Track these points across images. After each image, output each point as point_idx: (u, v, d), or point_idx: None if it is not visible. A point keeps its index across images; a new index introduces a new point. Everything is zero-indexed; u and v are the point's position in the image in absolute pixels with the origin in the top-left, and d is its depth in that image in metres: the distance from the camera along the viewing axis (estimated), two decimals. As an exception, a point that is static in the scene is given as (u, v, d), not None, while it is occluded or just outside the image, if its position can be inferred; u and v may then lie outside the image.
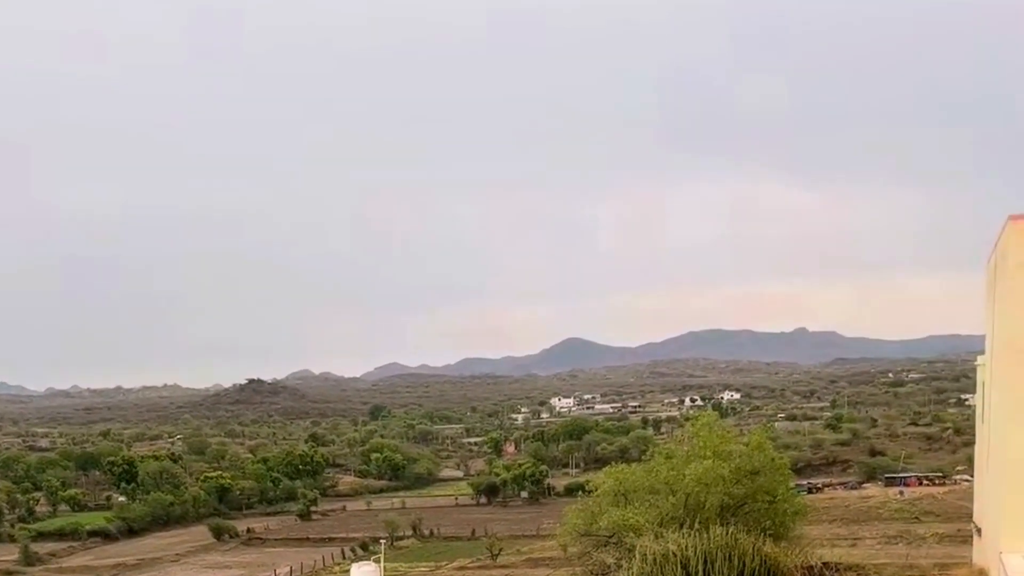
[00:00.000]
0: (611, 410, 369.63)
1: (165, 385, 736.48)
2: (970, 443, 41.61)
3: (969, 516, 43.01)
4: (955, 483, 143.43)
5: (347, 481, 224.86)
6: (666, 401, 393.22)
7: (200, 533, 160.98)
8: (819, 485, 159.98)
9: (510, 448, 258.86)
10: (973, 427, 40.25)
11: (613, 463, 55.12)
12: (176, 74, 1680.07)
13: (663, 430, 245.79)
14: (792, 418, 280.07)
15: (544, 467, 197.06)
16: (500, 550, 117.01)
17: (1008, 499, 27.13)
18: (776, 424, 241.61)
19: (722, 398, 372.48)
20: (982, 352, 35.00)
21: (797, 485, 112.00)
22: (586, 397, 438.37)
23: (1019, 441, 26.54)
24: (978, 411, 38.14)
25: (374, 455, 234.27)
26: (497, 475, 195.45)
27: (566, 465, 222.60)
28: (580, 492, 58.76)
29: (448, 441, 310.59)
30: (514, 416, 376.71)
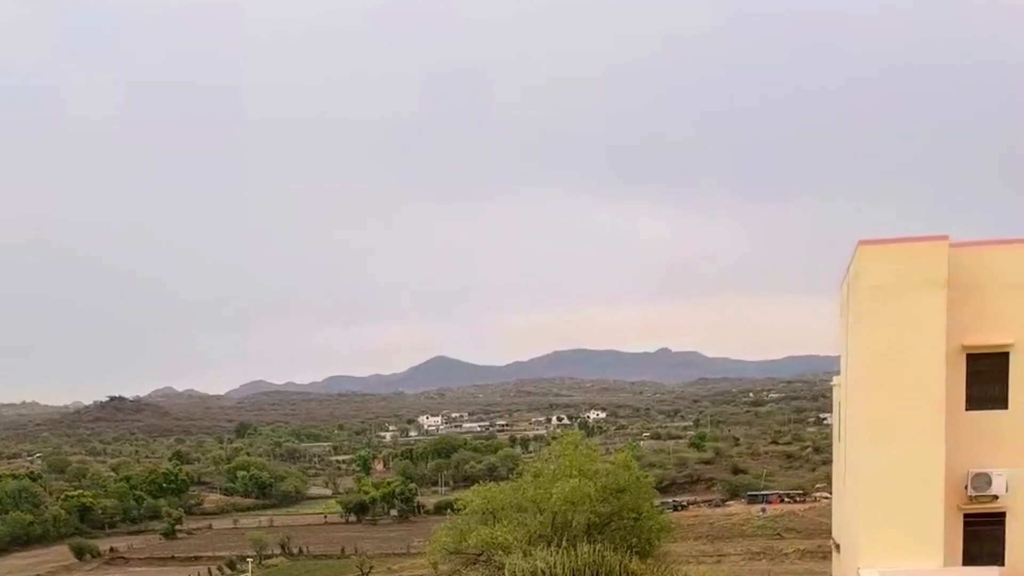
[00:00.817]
0: (479, 428, 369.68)
1: (23, 402, 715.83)
2: (829, 461, 42.81)
3: (828, 532, 44.18)
4: (815, 500, 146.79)
5: (213, 499, 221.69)
6: (533, 420, 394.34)
7: (61, 553, 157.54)
8: (684, 503, 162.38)
9: (379, 466, 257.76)
10: (831, 445, 41.42)
11: (481, 481, 55.49)
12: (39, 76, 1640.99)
13: (531, 448, 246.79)
14: (657, 437, 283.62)
15: (413, 485, 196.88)
16: (370, 568, 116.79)
17: (864, 515, 28.16)
18: (641, 443, 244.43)
19: (588, 417, 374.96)
20: (838, 372, 36.23)
21: (663, 503, 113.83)
22: (454, 415, 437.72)
23: (873, 459, 27.64)
24: (835, 430, 39.30)
25: (240, 473, 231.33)
26: (366, 493, 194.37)
27: (435, 483, 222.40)
28: (449, 510, 58.81)
29: (316, 459, 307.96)
30: (382, 434, 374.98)
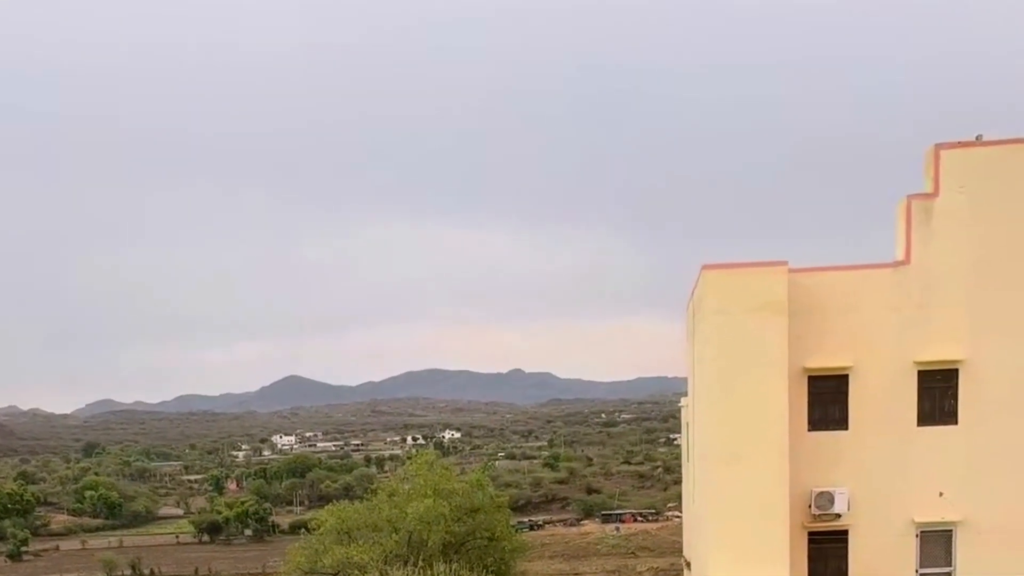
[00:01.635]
0: (334, 448, 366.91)
1: None
2: (680, 481, 43.77)
3: (680, 551, 45.08)
4: (667, 519, 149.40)
5: (60, 520, 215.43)
6: (388, 440, 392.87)
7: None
8: (540, 522, 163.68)
9: (232, 486, 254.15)
10: (682, 465, 42.49)
11: (337, 501, 55.38)
12: None
13: (386, 468, 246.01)
14: (512, 457, 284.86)
15: (268, 504, 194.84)
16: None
17: (713, 534, 28.96)
18: (496, 463, 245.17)
19: (443, 437, 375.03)
20: (686, 394, 37.05)
21: (518, 522, 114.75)
22: (308, 435, 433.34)
23: (720, 479, 28.44)
24: (684, 450, 40.17)
25: (88, 493, 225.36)
26: (219, 513, 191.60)
27: (290, 503, 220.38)
28: (304, 530, 58.49)
29: (167, 479, 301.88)
30: (235, 453, 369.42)
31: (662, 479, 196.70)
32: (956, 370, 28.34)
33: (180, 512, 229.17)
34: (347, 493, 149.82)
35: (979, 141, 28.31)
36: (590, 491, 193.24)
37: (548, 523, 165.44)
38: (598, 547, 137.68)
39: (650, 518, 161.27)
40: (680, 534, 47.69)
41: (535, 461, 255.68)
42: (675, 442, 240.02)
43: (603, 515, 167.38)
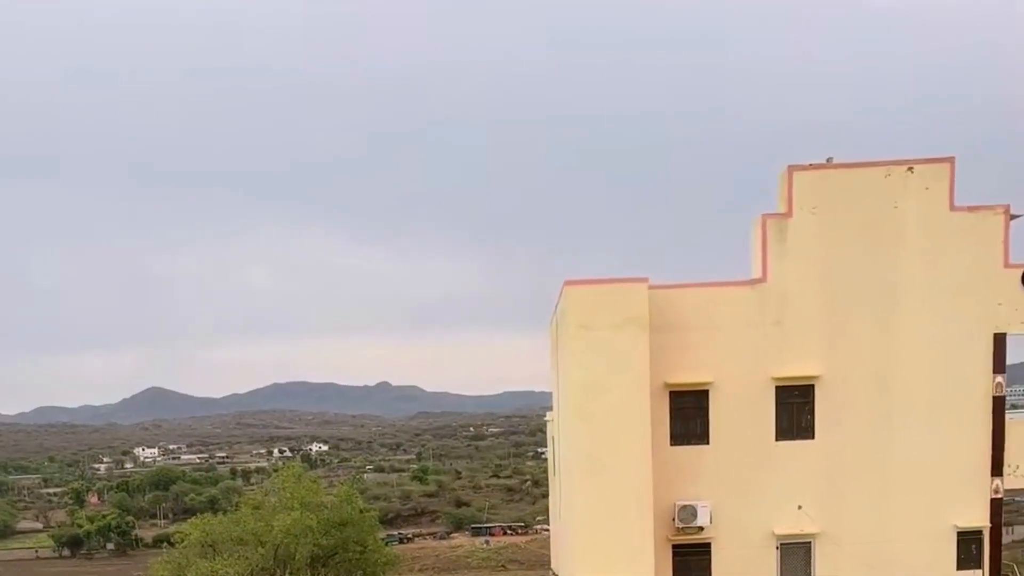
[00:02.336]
0: (198, 460, 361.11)
1: None
2: (548, 494, 44.23)
3: (549, 564, 45.44)
4: (536, 532, 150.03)
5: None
6: (254, 452, 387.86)
7: None
8: (410, 535, 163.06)
9: (93, 499, 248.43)
10: (549, 479, 42.93)
11: (202, 514, 54.74)
12: None
13: (252, 481, 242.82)
14: (380, 470, 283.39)
15: (131, 518, 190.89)
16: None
17: (579, 547, 29.31)
18: (365, 476, 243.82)
19: (311, 450, 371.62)
20: (551, 408, 37.42)
21: (388, 535, 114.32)
22: (171, 447, 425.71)
23: (586, 492, 28.82)
24: (550, 464, 40.35)
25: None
26: (80, 527, 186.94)
27: (154, 516, 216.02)
28: (167, 544, 57.82)
29: (25, 492, 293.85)
30: (96, 466, 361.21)
31: (531, 492, 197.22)
32: (812, 386, 29.24)
33: (39, 526, 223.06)
34: (212, 506, 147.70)
35: (830, 164, 29.29)
36: (459, 504, 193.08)
37: (418, 536, 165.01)
38: (468, 560, 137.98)
39: (519, 531, 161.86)
40: (549, 547, 48.09)
41: (404, 474, 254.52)
42: (543, 456, 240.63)
43: (473, 528, 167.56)
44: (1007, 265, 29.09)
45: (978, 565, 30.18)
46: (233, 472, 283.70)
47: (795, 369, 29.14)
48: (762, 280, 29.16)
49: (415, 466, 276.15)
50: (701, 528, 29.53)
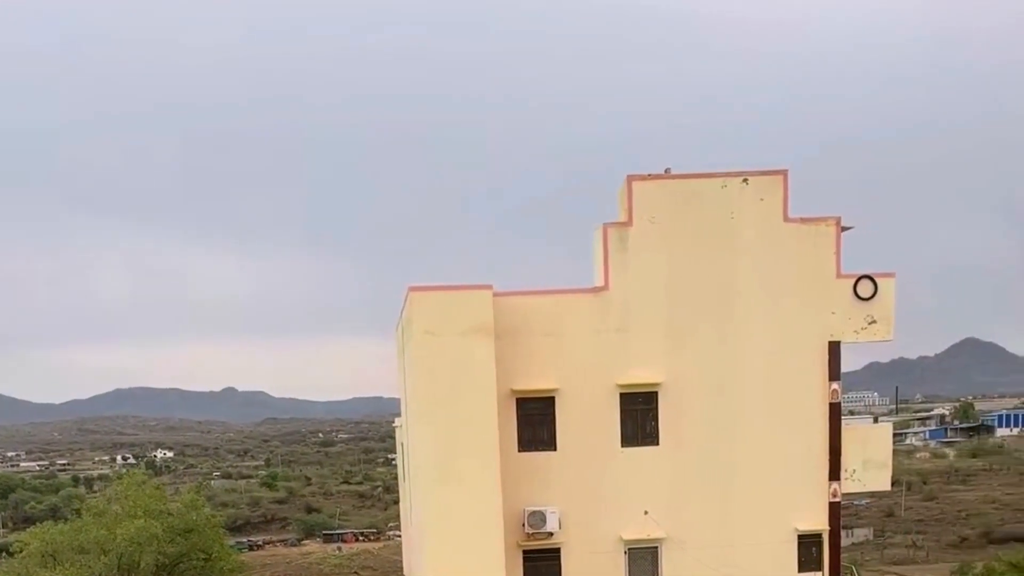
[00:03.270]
0: (38, 468, 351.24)
1: None
2: (399, 500, 44.43)
3: (402, 570, 45.55)
4: (388, 538, 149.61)
5: None
6: (97, 459, 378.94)
7: None
8: (260, 542, 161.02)
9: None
10: (399, 485, 43.03)
11: (42, 522, 53.64)
12: None
13: (95, 488, 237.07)
14: (228, 476, 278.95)
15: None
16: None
17: (429, 554, 29.35)
18: (212, 482, 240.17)
19: (156, 456, 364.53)
20: (400, 414, 37.45)
21: (237, 542, 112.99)
22: (9, 454, 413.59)
23: (435, 499, 28.89)
24: (400, 470, 40.49)
25: None
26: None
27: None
28: (5, 553, 56.54)
29: None
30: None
31: (382, 499, 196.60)
32: (656, 393, 29.78)
33: None
34: (53, 514, 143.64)
35: (668, 174, 29.86)
36: (310, 510, 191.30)
37: (268, 543, 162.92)
38: (320, 567, 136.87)
39: (372, 537, 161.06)
40: (401, 553, 48.23)
41: (252, 480, 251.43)
42: (393, 462, 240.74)
43: (324, 535, 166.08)
44: (839, 275, 30.02)
45: (818, 567, 31.14)
46: (75, 479, 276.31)
47: (638, 376, 29.67)
48: (604, 288, 29.56)
49: (264, 472, 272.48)
50: (550, 534, 29.87)
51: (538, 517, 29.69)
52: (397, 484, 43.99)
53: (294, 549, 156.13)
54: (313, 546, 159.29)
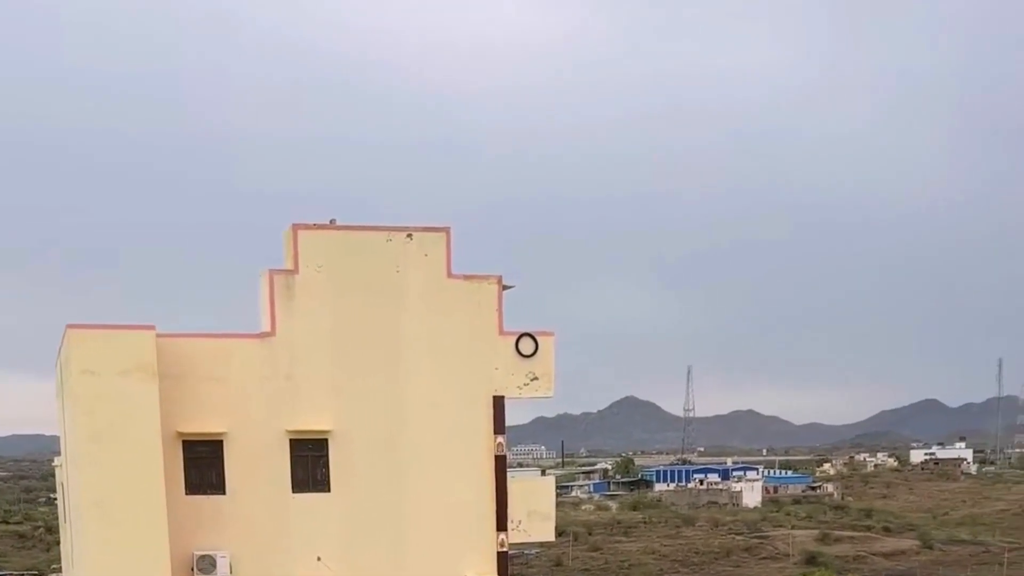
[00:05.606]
0: None
1: None
2: (60, 541, 42.93)
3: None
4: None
5: None
6: None
7: None
8: None
9: None
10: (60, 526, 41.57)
11: None
12: None
13: None
14: None
15: None
16: None
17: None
18: None
19: None
20: (59, 453, 36.01)
21: None
22: None
23: (97, 541, 28.18)
24: (60, 510, 38.89)
25: None
26: None
27: None
28: None
29: None
30: None
31: (44, 539, 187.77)
32: (326, 440, 29.99)
33: None
34: None
35: (333, 225, 30.27)
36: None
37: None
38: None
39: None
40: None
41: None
42: (55, 501, 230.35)
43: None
44: (502, 332, 31.05)
45: (488, 613, 31.84)
46: None
47: (307, 423, 29.80)
48: (271, 334, 29.61)
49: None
50: (223, 578, 29.67)
51: (207, 562, 29.20)
52: (58, 524, 42.51)
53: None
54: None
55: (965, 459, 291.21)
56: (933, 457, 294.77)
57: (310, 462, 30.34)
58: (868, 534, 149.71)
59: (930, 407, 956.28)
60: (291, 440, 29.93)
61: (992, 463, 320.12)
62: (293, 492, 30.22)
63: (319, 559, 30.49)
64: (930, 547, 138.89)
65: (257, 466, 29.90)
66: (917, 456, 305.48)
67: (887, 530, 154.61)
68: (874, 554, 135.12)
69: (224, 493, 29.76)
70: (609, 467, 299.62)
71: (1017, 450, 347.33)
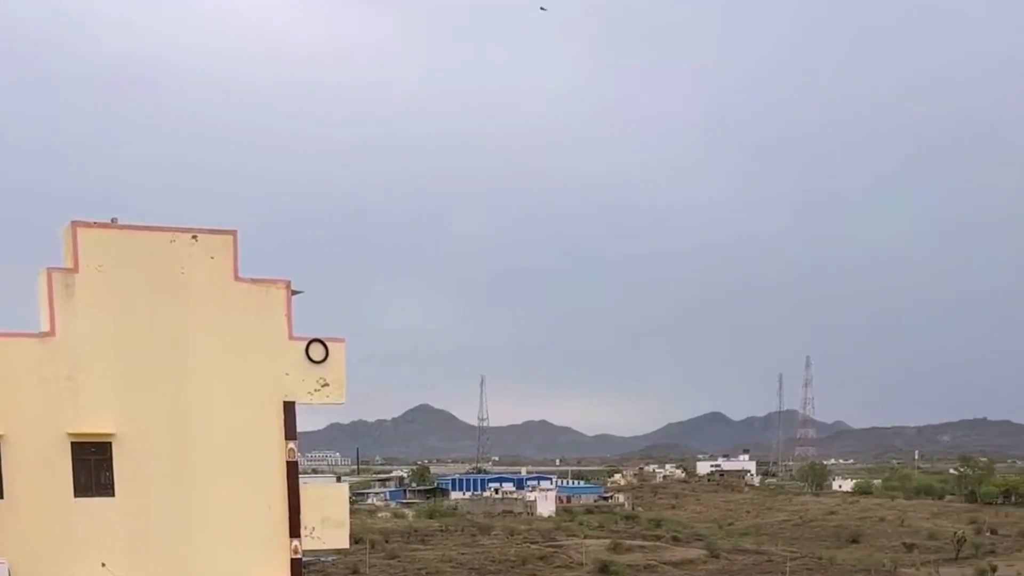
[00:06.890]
0: None
1: None
2: None
3: None
4: None
5: None
6: None
7: None
8: None
9: None
10: None
11: None
12: None
13: None
14: None
15: None
16: None
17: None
18: None
19: None
20: None
21: None
22: None
23: None
24: None
25: None
26: None
27: None
28: None
29: None
30: None
31: None
32: (109, 443, 29.36)
33: None
34: None
35: (114, 224, 29.64)
36: None
37: None
38: None
39: None
40: None
41: None
42: None
43: None
44: (291, 337, 31.01)
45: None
46: None
47: (89, 426, 29.14)
48: (51, 334, 28.87)
49: None
50: (-1, 583, 28.63)
51: (-9, 569, 28.53)
52: None
53: None
54: None
55: (749, 471, 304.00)
56: (719, 469, 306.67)
57: (93, 466, 29.63)
58: (658, 543, 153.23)
59: (715, 420, 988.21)
60: (73, 443, 29.22)
61: (774, 475, 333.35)
62: (75, 496, 29.48)
63: (104, 565, 29.83)
64: (717, 556, 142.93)
65: (37, 469, 29.10)
66: (703, 468, 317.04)
67: (676, 539, 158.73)
68: (664, 563, 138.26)
69: (1, 497, 28.89)
70: (405, 475, 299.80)
71: (797, 462, 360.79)
